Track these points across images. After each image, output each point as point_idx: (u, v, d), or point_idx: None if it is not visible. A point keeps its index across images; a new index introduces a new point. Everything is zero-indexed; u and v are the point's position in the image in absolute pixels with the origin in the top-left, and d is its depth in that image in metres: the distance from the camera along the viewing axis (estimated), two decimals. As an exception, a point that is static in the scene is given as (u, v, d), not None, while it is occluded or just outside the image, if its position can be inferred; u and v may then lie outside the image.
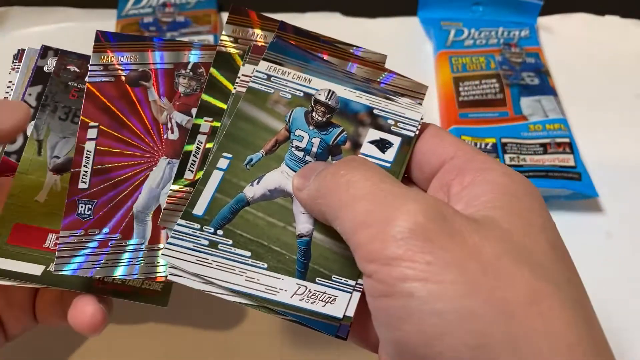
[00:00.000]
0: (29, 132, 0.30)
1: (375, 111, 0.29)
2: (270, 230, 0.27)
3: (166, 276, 0.26)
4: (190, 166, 0.28)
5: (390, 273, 0.21)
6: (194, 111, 0.30)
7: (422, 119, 0.29)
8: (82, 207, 0.28)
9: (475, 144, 0.46)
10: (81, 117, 0.29)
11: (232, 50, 0.30)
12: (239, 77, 0.29)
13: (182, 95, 0.30)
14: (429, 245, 0.21)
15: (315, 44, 0.30)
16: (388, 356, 0.23)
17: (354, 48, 0.31)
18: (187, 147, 0.28)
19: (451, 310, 0.20)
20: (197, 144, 0.28)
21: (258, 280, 0.26)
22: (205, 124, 0.29)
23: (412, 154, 0.28)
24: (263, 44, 0.30)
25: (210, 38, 0.53)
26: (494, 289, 0.20)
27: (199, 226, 0.27)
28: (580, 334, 0.20)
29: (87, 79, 0.30)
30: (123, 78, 0.30)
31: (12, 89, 0.31)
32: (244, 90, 0.29)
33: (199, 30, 0.54)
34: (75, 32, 0.54)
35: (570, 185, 0.44)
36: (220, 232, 0.27)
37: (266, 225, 0.27)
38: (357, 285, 0.26)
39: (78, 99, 0.30)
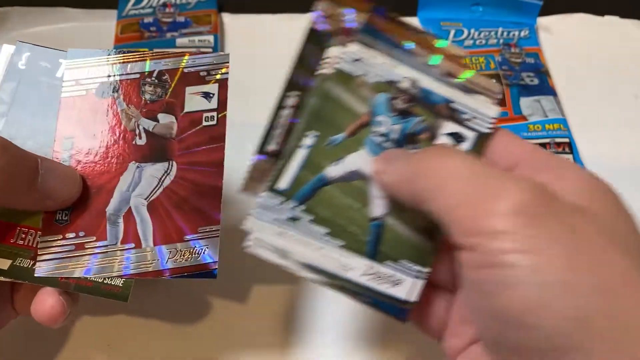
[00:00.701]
0: (0, 127, 0.30)
1: (453, 104, 0.29)
2: (346, 211, 0.28)
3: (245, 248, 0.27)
4: (272, 139, 0.29)
5: (494, 245, 0.22)
6: (159, 116, 0.31)
7: (496, 115, 0.29)
8: (59, 214, 0.29)
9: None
10: (56, 130, 0.30)
11: (322, 27, 0.29)
12: (325, 58, 0.29)
13: (148, 102, 0.31)
14: (533, 222, 0.22)
15: (403, 31, 0.30)
16: (481, 330, 0.24)
17: (436, 40, 0.30)
18: (271, 121, 0.28)
19: (552, 282, 0.21)
20: (281, 118, 0.29)
21: (332, 257, 0.27)
22: (290, 99, 0.29)
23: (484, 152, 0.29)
24: (353, 23, 0.29)
25: (210, 38, 0.53)
26: (593, 265, 0.21)
27: (281, 200, 0.28)
28: None
29: (61, 94, 0.31)
30: (93, 91, 0.31)
31: None
32: (328, 71, 0.29)
33: (200, 30, 0.54)
34: (75, 32, 0.54)
35: (570, 185, 0.44)
36: (301, 207, 0.28)
37: (344, 205, 0.28)
38: (420, 273, 0.27)
39: (48, 95, 0.31)
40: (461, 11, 0.56)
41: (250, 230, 0.27)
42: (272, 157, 0.28)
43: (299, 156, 0.28)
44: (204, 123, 0.31)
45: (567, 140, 0.46)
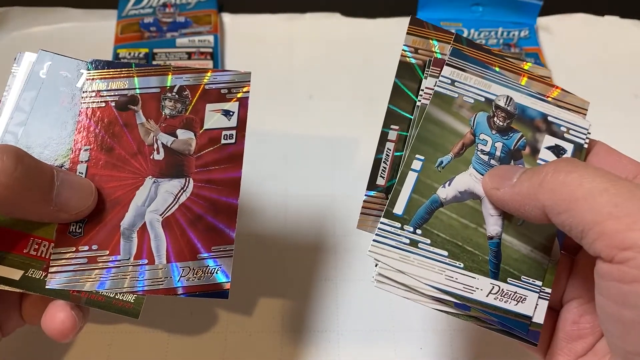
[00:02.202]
0: (19, 136, 0.30)
1: (549, 118, 0.30)
2: (463, 231, 0.28)
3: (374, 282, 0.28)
4: (381, 173, 0.29)
5: None
6: (179, 132, 0.31)
7: (590, 126, 0.30)
8: (73, 226, 0.29)
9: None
10: (74, 140, 0.30)
11: (413, 61, 0.30)
12: (422, 90, 0.30)
13: (167, 117, 0.31)
14: None
15: (487, 56, 0.31)
16: (619, 342, 0.24)
17: (523, 63, 0.31)
18: (377, 155, 0.29)
19: None
20: (386, 151, 0.29)
21: (456, 279, 0.28)
22: (392, 132, 0.29)
23: None
24: (442, 55, 0.30)
25: (210, 38, 0.53)
26: None
27: (399, 225, 0.28)
28: None
29: (81, 105, 0.31)
30: (113, 103, 0.31)
31: (8, 93, 0.31)
32: (427, 102, 0.29)
33: (199, 30, 0.54)
34: (75, 32, 0.54)
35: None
36: (418, 231, 0.28)
37: (459, 226, 0.28)
38: (542, 291, 0.28)
39: (67, 105, 0.31)
40: (461, 11, 0.56)
41: (374, 257, 0.27)
42: (382, 192, 0.29)
43: (410, 180, 0.28)
44: (223, 141, 0.31)
45: (567, 140, 0.46)
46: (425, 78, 0.30)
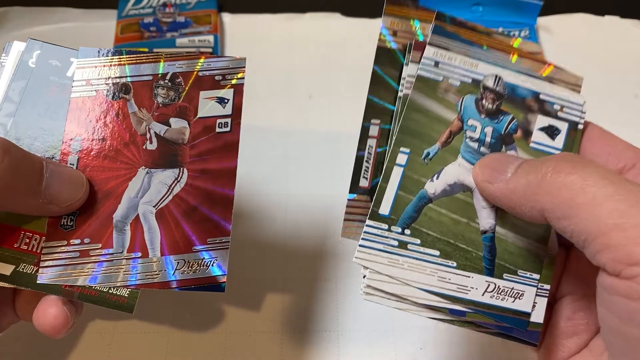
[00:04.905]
0: (8, 127, 0.29)
1: (541, 96, 0.27)
2: (455, 227, 0.26)
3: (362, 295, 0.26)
4: (364, 173, 0.27)
5: None
6: (172, 121, 0.30)
7: (584, 102, 0.28)
8: (64, 219, 0.28)
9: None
10: (65, 131, 0.29)
11: (394, 45, 0.28)
12: (403, 79, 0.27)
13: (160, 105, 0.30)
14: None
15: (473, 34, 0.28)
16: (620, 353, 0.22)
17: (511, 39, 0.29)
18: (359, 153, 0.27)
19: None
20: (368, 148, 0.27)
21: (449, 279, 0.26)
22: (373, 127, 0.27)
23: (579, 152, 0.27)
24: (424, 36, 0.28)
25: (210, 38, 0.53)
26: None
27: (386, 226, 0.26)
28: None
29: (71, 94, 0.30)
30: (104, 92, 0.30)
31: None
32: (409, 92, 0.27)
33: (199, 30, 0.54)
34: (75, 32, 0.54)
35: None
36: (407, 231, 0.26)
37: (450, 222, 0.26)
38: (540, 289, 0.26)
39: (57, 94, 0.30)
40: (461, 11, 0.55)
41: (361, 263, 0.25)
42: (364, 194, 0.27)
43: (395, 176, 0.26)
44: (218, 129, 0.29)
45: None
46: (406, 65, 0.27)
